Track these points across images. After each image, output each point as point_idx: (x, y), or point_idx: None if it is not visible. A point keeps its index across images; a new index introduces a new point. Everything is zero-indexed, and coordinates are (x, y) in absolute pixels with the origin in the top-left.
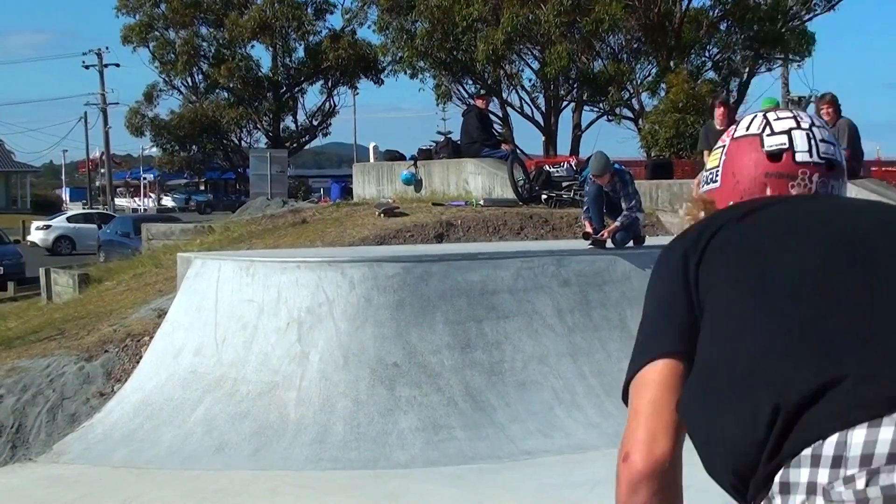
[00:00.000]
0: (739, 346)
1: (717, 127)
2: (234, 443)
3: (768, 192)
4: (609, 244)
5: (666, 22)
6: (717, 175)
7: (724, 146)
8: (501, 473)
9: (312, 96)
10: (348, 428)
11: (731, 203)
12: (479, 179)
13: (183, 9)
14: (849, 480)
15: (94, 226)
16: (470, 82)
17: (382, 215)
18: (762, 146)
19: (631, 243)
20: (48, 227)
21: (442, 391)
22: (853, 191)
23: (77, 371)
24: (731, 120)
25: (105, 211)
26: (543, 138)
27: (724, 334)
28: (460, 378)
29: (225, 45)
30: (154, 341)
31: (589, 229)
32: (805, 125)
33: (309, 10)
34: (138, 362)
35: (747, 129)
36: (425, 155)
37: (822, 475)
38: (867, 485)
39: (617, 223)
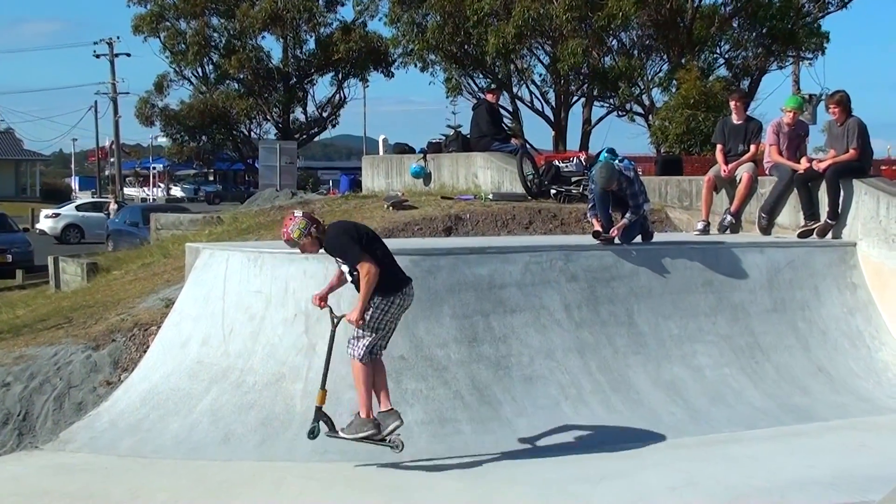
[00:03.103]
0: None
1: (735, 121)
2: (240, 433)
3: None
4: (617, 240)
5: (678, 18)
6: None
7: None
8: (507, 468)
9: (322, 88)
10: None
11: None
12: (488, 173)
13: None
14: None
15: (103, 214)
16: (480, 76)
17: (391, 208)
18: None
19: (639, 238)
20: (57, 215)
21: (448, 385)
22: (862, 189)
23: (84, 360)
24: (744, 112)
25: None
26: (553, 133)
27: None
28: (467, 372)
29: (236, 36)
30: (161, 331)
31: (597, 227)
32: None
33: (320, 1)
34: (145, 352)
35: None
36: (435, 148)
37: None
38: None
39: (625, 220)
